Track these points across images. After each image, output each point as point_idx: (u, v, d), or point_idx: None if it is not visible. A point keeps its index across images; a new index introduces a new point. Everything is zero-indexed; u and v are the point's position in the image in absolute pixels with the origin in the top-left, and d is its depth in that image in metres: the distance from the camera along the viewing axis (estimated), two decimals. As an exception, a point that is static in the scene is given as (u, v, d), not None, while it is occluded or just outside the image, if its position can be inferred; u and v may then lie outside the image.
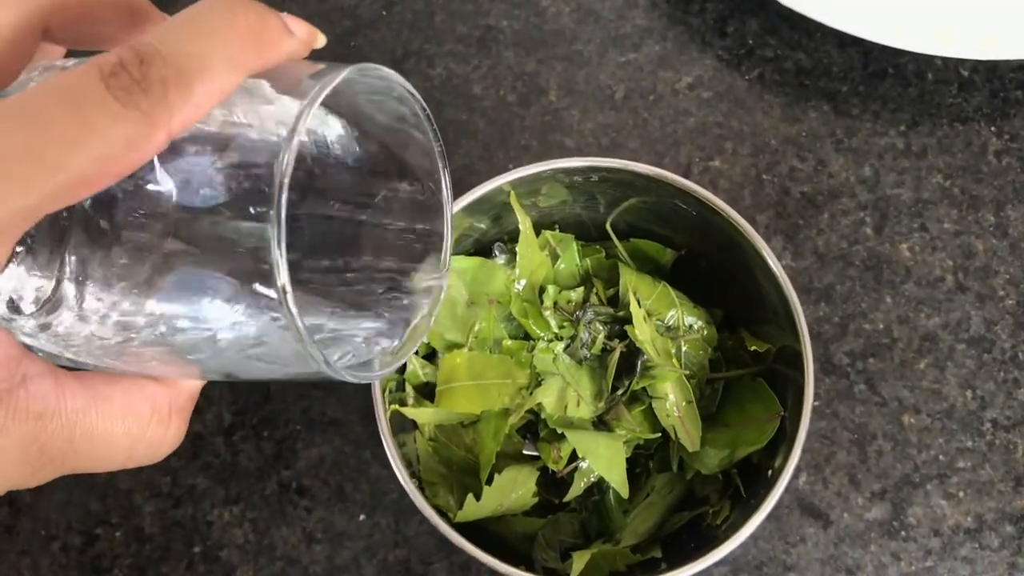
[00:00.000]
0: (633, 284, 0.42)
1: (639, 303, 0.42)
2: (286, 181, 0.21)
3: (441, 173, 0.28)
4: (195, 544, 0.47)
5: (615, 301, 0.43)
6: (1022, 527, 0.49)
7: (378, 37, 0.55)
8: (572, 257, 0.44)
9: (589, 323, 0.42)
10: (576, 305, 0.43)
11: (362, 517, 0.48)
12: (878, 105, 0.55)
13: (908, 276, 0.53)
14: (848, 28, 0.53)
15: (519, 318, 0.42)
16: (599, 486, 0.42)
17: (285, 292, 0.21)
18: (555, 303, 0.43)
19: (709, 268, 0.44)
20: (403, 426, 0.43)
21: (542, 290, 0.43)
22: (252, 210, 0.22)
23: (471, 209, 0.41)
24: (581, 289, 0.43)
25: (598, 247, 0.45)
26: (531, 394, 0.42)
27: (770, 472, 0.38)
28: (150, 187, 0.22)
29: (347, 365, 0.27)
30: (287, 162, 0.21)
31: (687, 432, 0.41)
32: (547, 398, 0.41)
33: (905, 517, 0.49)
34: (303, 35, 0.24)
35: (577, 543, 0.42)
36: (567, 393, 0.41)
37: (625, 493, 0.40)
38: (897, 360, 0.51)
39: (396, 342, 0.28)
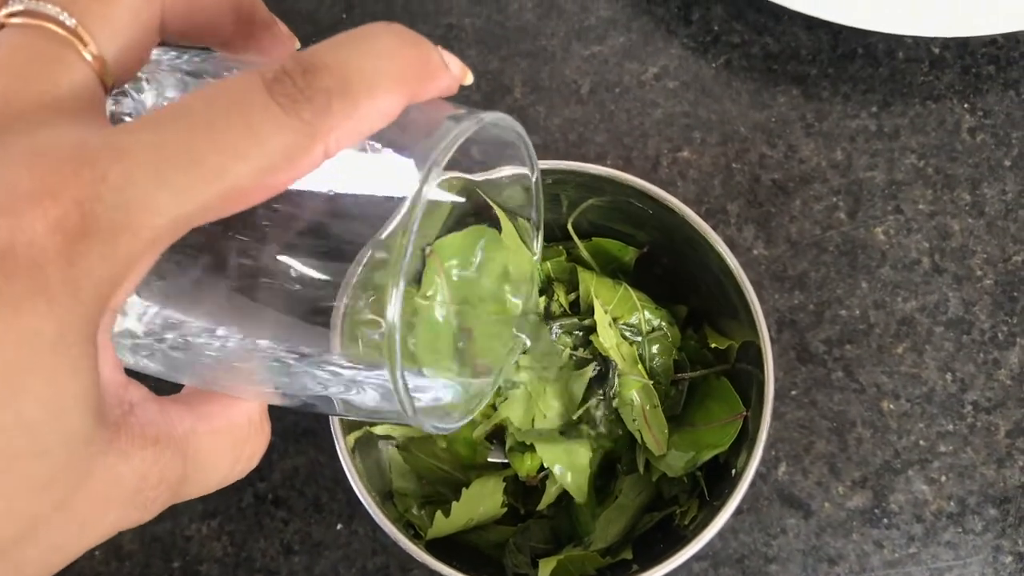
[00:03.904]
0: (594, 288, 0.41)
1: (604, 310, 0.41)
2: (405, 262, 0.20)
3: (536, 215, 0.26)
4: (174, 559, 0.48)
5: (576, 305, 0.43)
6: (1006, 509, 0.49)
7: (339, 42, 0.54)
8: (532, 261, 0.43)
9: (554, 338, 0.42)
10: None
11: (339, 526, 0.48)
12: (848, 87, 0.54)
13: (884, 260, 0.52)
14: (813, 11, 0.52)
15: None
16: (568, 491, 0.42)
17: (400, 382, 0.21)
18: None
19: (672, 265, 0.44)
20: (372, 438, 0.43)
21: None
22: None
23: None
24: (543, 298, 0.43)
25: (560, 248, 0.45)
26: (496, 408, 0.41)
27: (734, 471, 0.38)
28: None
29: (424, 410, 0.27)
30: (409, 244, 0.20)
31: (653, 436, 0.40)
32: (514, 412, 0.41)
33: (887, 504, 0.49)
34: (456, 71, 0.23)
35: (548, 548, 0.42)
36: (533, 406, 0.41)
37: (582, 501, 0.40)
38: (874, 346, 0.51)
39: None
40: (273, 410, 0.49)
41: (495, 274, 0.31)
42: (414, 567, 0.47)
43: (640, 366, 0.41)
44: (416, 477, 0.43)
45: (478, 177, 0.28)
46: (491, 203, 0.38)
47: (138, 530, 0.48)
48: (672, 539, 0.39)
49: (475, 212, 0.30)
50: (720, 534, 0.48)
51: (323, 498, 0.48)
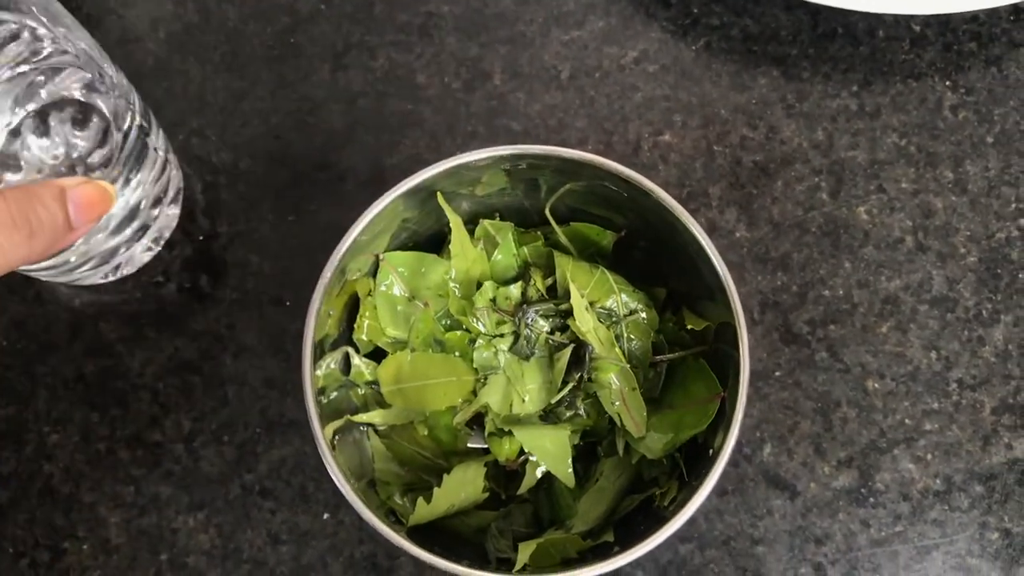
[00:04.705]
0: (570, 272, 0.41)
1: (580, 294, 0.41)
2: None
3: None
4: (162, 552, 0.48)
5: (553, 290, 0.43)
6: (991, 486, 0.49)
7: (318, 31, 0.54)
8: (509, 247, 0.43)
9: (531, 322, 0.42)
10: (515, 302, 0.42)
11: (326, 516, 0.48)
12: (829, 67, 0.54)
13: (867, 239, 0.52)
14: (791, -9, 0.52)
15: (458, 316, 0.42)
16: (549, 475, 0.42)
17: None
18: (494, 300, 0.42)
19: (649, 248, 0.44)
20: (353, 426, 0.43)
21: (480, 286, 0.43)
22: None
23: (404, 201, 0.41)
24: (520, 284, 0.43)
25: (537, 233, 0.45)
26: (476, 393, 0.41)
27: (711, 451, 0.38)
28: None
29: None
30: None
31: (632, 419, 0.40)
32: (492, 397, 0.41)
33: (873, 483, 0.49)
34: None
35: (530, 532, 0.42)
36: (511, 391, 0.41)
37: (571, 485, 0.40)
38: (859, 325, 0.51)
39: None
40: (258, 403, 0.49)
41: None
42: (400, 555, 0.48)
43: (617, 349, 0.41)
44: (398, 464, 0.43)
45: None
46: (447, 212, 0.39)
47: (124, 524, 0.48)
48: (653, 520, 0.39)
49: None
50: (706, 516, 0.48)
51: (309, 488, 0.48)
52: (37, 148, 0.39)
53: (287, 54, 0.54)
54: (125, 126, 0.43)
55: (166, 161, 0.49)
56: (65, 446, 0.49)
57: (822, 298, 0.51)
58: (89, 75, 0.41)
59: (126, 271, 0.50)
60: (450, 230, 0.43)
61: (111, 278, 0.50)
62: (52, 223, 0.32)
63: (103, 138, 0.42)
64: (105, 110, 0.42)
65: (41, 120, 0.40)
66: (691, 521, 0.48)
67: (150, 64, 0.54)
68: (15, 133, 0.39)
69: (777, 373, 0.50)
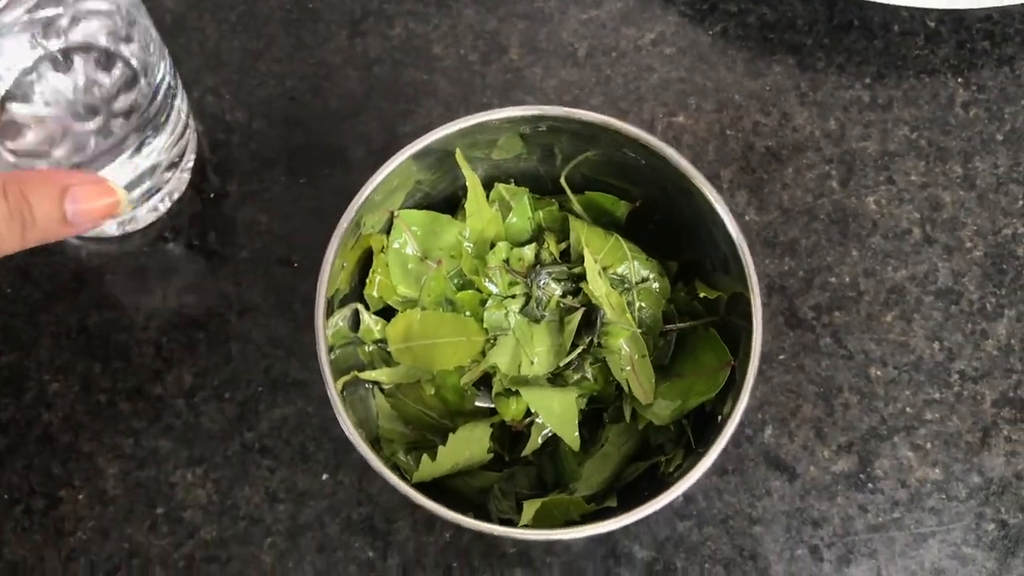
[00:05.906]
0: (584, 237, 0.42)
1: (594, 259, 0.41)
2: None
3: None
4: (158, 505, 0.47)
5: (567, 255, 0.43)
6: (989, 477, 0.49)
7: (337, -2, 0.54)
8: (524, 210, 0.43)
9: (543, 284, 0.42)
10: (528, 264, 0.42)
11: (325, 476, 0.48)
12: (843, 58, 0.55)
13: (874, 229, 0.52)
14: (811, -21, 0.52)
15: (471, 276, 0.42)
16: (554, 438, 0.42)
17: None
18: (507, 261, 0.42)
19: (664, 220, 0.44)
20: (359, 383, 0.43)
21: (493, 246, 0.43)
22: None
23: (419, 161, 0.41)
24: (533, 246, 0.43)
25: (551, 200, 0.45)
26: (484, 354, 0.41)
27: (719, 418, 0.38)
28: None
29: None
30: None
31: (640, 386, 0.40)
32: (501, 358, 0.41)
33: (872, 469, 0.49)
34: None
35: (534, 494, 0.42)
36: (520, 353, 0.41)
37: (576, 447, 0.40)
38: (863, 313, 0.51)
39: None
40: (262, 361, 0.49)
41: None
42: (399, 518, 0.47)
43: (629, 315, 0.41)
44: (403, 423, 0.43)
45: None
46: (463, 169, 0.39)
47: (122, 476, 0.48)
48: (657, 488, 0.39)
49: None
50: (705, 494, 0.48)
51: (309, 448, 0.48)
52: (56, 81, 0.39)
53: (304, 18, 0.54)
54: (156, 80, 0.43)
55: (187, 125, 0.49)
56: (66, 395, 0.48)
57: (828, 284, 0.51)
58: (117, 24, 0.41)
59: (128, 228, 0.50)
60: (464, 193, 0.43)
61: (110, 233, 0.50)
62: (46, 222, 0.33)
63: (130, 84, 0.42)
64: (133, 61, 0.42)
65: (64, 57, 0.40)
66: (690, 499, 0.48)
67: (167, 21, 0.54)
68: (31, 69, 0.39)
69: (781, 356, 0.50)
